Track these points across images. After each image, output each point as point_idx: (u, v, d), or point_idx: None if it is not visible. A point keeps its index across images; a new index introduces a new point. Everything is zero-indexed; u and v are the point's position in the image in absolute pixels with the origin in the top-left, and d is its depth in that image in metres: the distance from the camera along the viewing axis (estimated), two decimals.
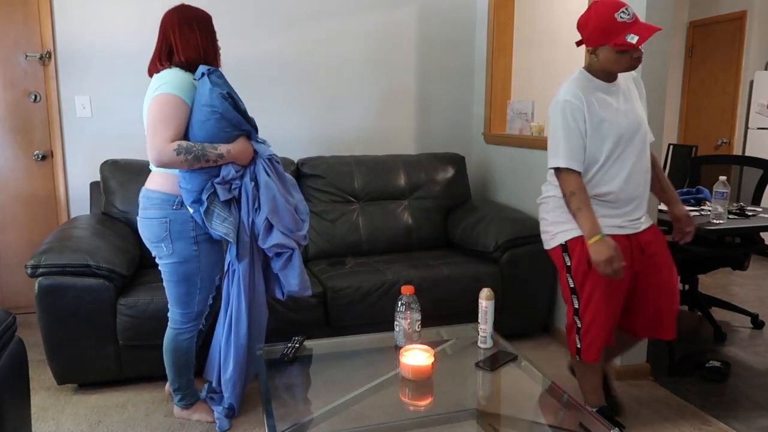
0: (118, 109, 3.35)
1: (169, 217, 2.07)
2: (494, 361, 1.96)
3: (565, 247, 2.06)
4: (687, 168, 4.27)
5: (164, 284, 2.18)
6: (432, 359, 1.83)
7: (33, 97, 3.31)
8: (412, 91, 3.85)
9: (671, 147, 5.04)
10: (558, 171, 1.99)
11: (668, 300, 2.11)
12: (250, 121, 2.13)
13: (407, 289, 2.01)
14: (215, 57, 2.15)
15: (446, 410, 1.77)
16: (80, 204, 3.38)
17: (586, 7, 2.81)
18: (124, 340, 2.49)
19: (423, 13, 3.77)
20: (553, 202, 2.10)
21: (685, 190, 3.23)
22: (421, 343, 1.94)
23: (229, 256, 2.20)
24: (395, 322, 2.03)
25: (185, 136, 2.04)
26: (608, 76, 2.02)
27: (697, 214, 2.87)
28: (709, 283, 4.15)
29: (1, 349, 1.49)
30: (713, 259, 3.26)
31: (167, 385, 2.50)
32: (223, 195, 2.07)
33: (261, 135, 2.25)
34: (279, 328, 2.61)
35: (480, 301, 2.01)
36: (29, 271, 2.34)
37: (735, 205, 3.04)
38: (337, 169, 3.37)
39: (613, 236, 2.01)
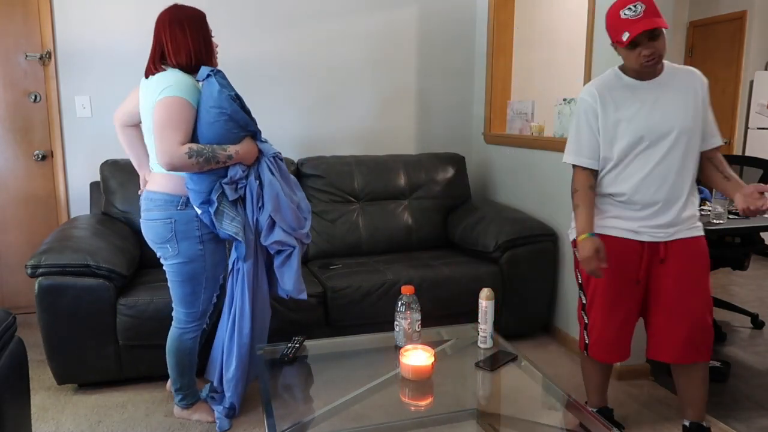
0: None
1: (173, 217, 2.08)
2: (494, 361, 1.96)
3: (575, 243, 2.07)
4: None
5: (169, 284, 2.18)
6: (432, 359, 1.83)
7: (33, 97, 3.31)
8: (412, 91, 3.85)
9: None
10: (573, 167, 2.06)
11: (665, 320, 2.00)
12: (255, 122, 2.14)
13: (407, 289, 2.01)
14: (209, 57, 2.12)
15: (446, 410, 1.77)
16: (80, 204, 3.38)
17: (586, 7, 2.81)
18: (124, 340, 2.49)
19: (423, 13, 3.77)
20: None
21: None
22: (421, 343, 1.94)
23: (235, 255, 2.20)
24: (395, 322, 2.03)
25: (193, 137, 2.04)
26: (638, 74, 1.93)
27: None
28: (709, 283, 4.15)
29: (1, 349, 1.49)
30: (713, 259, 3.24)
31: (168, 384, 2.50)
32: (231, 195, 2.08)
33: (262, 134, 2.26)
34: (279, 328, 2.61)
35: (480, 301, 2.01)
36: (29, 271, 2.34)
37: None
38: (337, 169, 3.37)
39: (624, 239, 1.99)
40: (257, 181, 2.14)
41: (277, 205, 2.15)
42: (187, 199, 2.09)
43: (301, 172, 3.36)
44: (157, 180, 2.11)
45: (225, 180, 2.07)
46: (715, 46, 5.48)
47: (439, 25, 3.82)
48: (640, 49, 1.85)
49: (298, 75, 3.61)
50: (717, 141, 2.00)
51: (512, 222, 3.08)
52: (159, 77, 2.03)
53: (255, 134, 2.16)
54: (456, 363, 2.07)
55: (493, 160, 3.75)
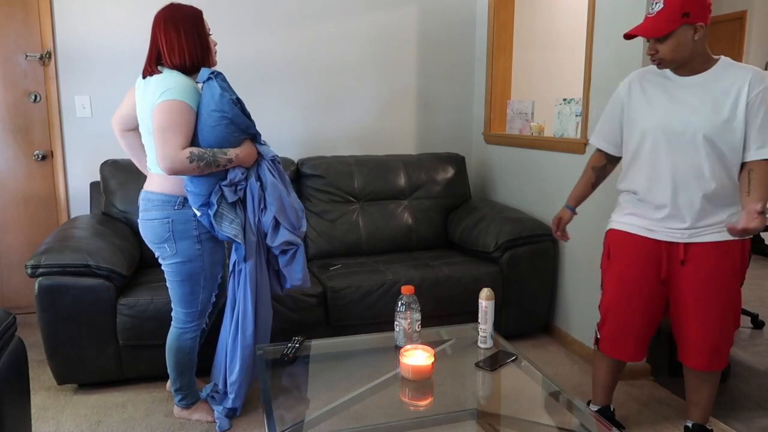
0: None
1: (171, 217, 2.08)
2: (494, 361, 1.96)
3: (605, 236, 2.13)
4: None
5: (168, 284, 2.18)
6: (432, 359, 1.83)
7: (33, 97, 3.31)
8: (412, 91, 3.85)
9: None
10: None
11: (687, 326, 1.96)
12: (254, 124, 2.14)
13: (407, 289, 2.01)
14: (204, 57, 2.08)
15: (446, 410, 1.77)
16: (80, 204, 3.38)
17: (586, 7, 2.81)
18: (124, 340, 2.49)
19: (423, 13, 3.77)
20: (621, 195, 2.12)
21: None
22: (421, 343, 1.94)
23: (235, 256, 2.20)
24: (395, 322, 2.03)
25: (193, 141, 2.04)
26: (676, 68, 1.86)
27: None
28: None
29: (1, 349, 1.49)
30: None
31: (168, 384, 2.50)
32: (230, 197, 2.08)
33: (261, 135, 2.26)
34: (279, 328, 2.61)
35: (480, 301, 2.01)
36: (29, 271, 2.34)
37: None
38: (337, 169, 3.37)
39: (639, 236, 1.99)
40: (258, 183, 2.15)
41: (282, 206, 2.17)
42: (185, 199, 2.09)
43: (301, 172, 3.36)
44: (155, 180, 2.11)
45: (224, 182, 2.07)
46: (715, 46, 5.47)
47: (439, 25, 3.82)
48: (648, 47, 1.84)
49: (298, 75, 3.61)
50: (761, 153, 1.77)
51: (512, 222, 3.08)
52: (158, 79, 2.02)
53: (255, 137, 2.17)
54: (456, 363, 2.07)
55: (493, 160, 3.75)
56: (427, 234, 3.42)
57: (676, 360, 2.76)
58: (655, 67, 1.90)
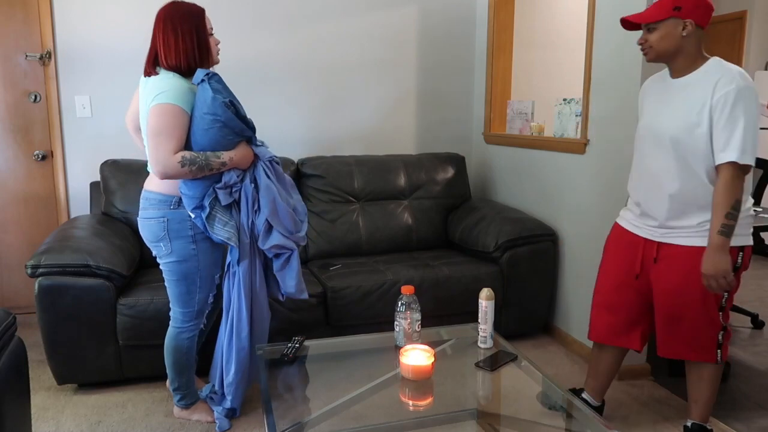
0: (118, 109, 3.35)
1: (166, 216, 2.08)
2: (494, 361, 1.96)
3: None
4: None
5: (165, 283, 2.19)
6: (432, 359, 1.83)
7: (33, 97, 3.31)
8: (412, 91, 3.85)
9: None
10: None
11: (659, 318, 2.03)
12: (250, 125, 2.13)
13: (407, 289, 2.01)
14: (202, 59, 2.05)
15: (446, 410, 1.77)
16: (80, 204, 3.38)
17: (586, 7, 2.81)
18: (124, 340, 2.49)
19: (423, 13, 3.77)
20: None
21: None
22: (421, 343, 1.94)
23: (230, 258, 2.20)
24: (395, 322, 2.03)
25: (186, 144, 2.03)
26: (670, 68, 1.92)
27: None
28: None
29: (1, 349, 1.49)
30: None
31: (168, 382, 2.50)
32: (224, 199, 2.07)
33: (261, 135, 2.26)
34: (279, 328, 2.61)
35: (480, 301, 2.01)
36: (29, 271, 2.34)
37: None
38: (337, 169, 3.37)
39: (627, 230, 2.08)
40: (252, 185, 2.14)
41: (274, 209, 2.15)
42: (180, 198, 2.08)
43: (301, 172, 3.36)
44: (153, 180, 2.11)
45: (219, 185, 2.06)
46: (715, 46, 5.47)
47: (439, 25, 3.82)
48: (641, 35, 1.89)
49: (298, 75, 3.61)
50: (723, 156, 1.76)
51: (512, 222, 3.08)
52: (154, 81, 2.01)
53: (250, 139, 2.15)
54: (456, 363, 2.07)
55: (493, 160, 3.75)
56: (427, 234, 3.42)
57: (677, 360, 2.78)
58: (663, 72, 1.96)
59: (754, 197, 3.41)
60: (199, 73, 2.00)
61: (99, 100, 3.34)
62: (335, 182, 3.34)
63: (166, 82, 1.98)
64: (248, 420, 2.34)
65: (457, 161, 3.61)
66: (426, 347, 1.88)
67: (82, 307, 2.40)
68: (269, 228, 2.16)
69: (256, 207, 2.14)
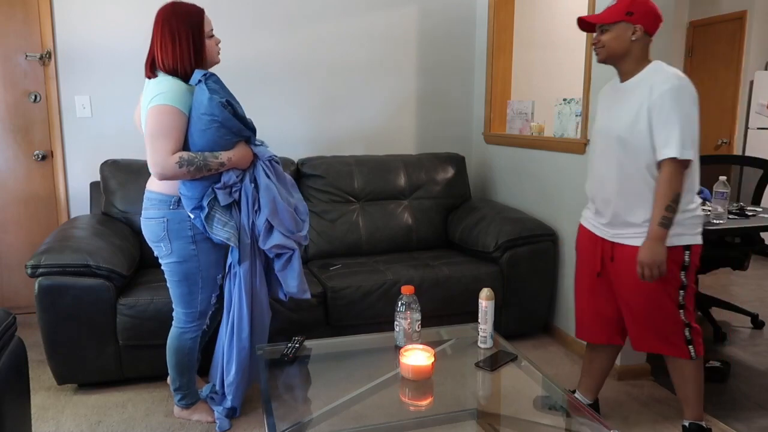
0: (118, 109, 3.35)
1: (166, 216, 2.08)
2: (494, 361, 1.96)
3: None
4: None
5: (167, 284, 2.18)
6: (432, 359, 1.83)
7: (33, 97, 3.31)
8: (413, 91, 3.85)
9: None
10: None
11: (624, 312, 2.11)
12: (249, 125, 2.12)
13: (407, 289, 2.01)
14: (198, 62, 2.04)
15: (446, 410, 1.77)
16: (80, 204, 3.38)
17: (586, 7, 2.81)
18: (124, 340, 2.49)
19: (423, 13, 3.77)
20: None
21: None
22: (421, 343, 1.94)
23: (231, 258, 2.20)
24: (395, 322, 2.03)
25: (185, 145, 2.03)
26: (619, 72, 2.01)
27: None
28: (709, 283, 4.15)
29: (1, 349, 1.49)
30: (713, 259, 3.26)
31: (169, 379, 2.50)
32: (224, 200, 2.07)
33: (261, 135, 2.25)
34: (279, 328, 2.61)
35: (480, 301, 2.01)
36: (29, 271, 2.34)
37: (735, 205, 3.04)
38: (337, 169, 3.37)
39: (587, 229, 2.16)
40: (252, 185, 2.13)
41: (274, 209, 2.14)
42: (179, 198, 2.08)
43: (301, 172, 3.36)
44: (155, 179, 2.11)
45: (218, 185, 2.06)
46: (715, 46, 5.47)
47: (439, 25, 3.82)
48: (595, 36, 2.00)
49: (298, 75, 3.61)
50: (664, 153, 1.84)
51: (512, 222, 3.08)
52: (153, 83, 2.01)
53: (249, 138, 2.14)
54: (456, 363, 2.07)
55: (493, 160, 3.75)
56: (427, 234, 3.42)
57: None
58: (615, 78, 2.06)
59: (753, 197, 3.41)
60: (197, 74, 2.00)
61: (99, 100, 3.34)
62: (335, 182, 3.34)
63: (164, 84, 1.98)
64: (248, 420, 2.34)
65: (457, 161, 3.61)
66: (426, 347, 1.88)
67: (82, 307, 2.40)
68: (270, 228, 2.16)
69: (256, 207, 2.14)
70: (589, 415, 1.67)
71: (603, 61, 1.99)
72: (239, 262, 2.16)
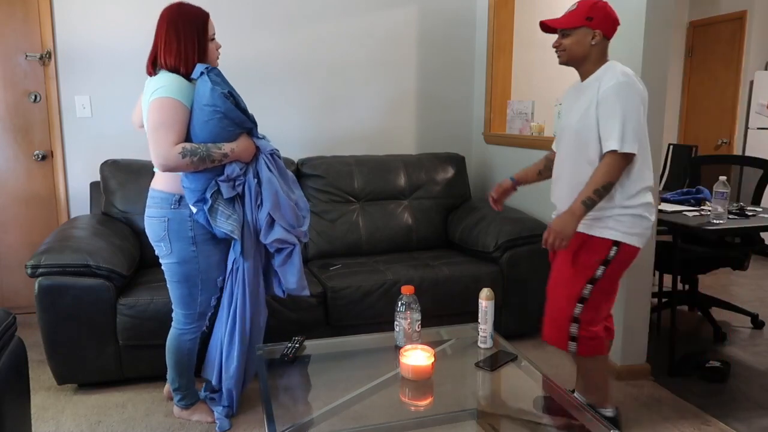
0: (118, 109, 3.35)
1: (167, 216, 2.07)
2: (494, 361, 1.96)
3: None
4: (687, 168, 4.27)
5: (167, 284, 2.18)
6: (432, 359, 1.83)
7: (33, 97, 3.31)
8: (413, 91, 3.85)
9: (671, 147, 5.04)
10: None
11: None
12: (251, 118, 2.13)
13: (407, 289, 2.01)
14: (202, 61, 2.06)
15: (446, 410, 1.77)
16: (80, 204, 3.38)
17: None
18: (124, 340, 2.49)
19: (423, 13, 3.77)
20: None
21: (685, 190, 3.23)
22: (421, 343, 1.94)
23: (233, 254, 2.19)
24: (395, 322, 2.03)
25: (187, 138, 2.03)
26: (580, 73, 2.08)
27: (697, 214, 2.87)
28: (709, 283, 4.15)
29: (1, 349, 1.49)
30: (713, 259, 3.26)
31: (166, 387, 2.50)
32: (227, 193, 2.07)
33: (261, 132, 2.25)
34: (279, 328, 2.61)
35: (480, 301, 2.01)
36: (29, 271, 2.34)
37: (735, 205, 3.04)
38: (337, 169, 3.37)
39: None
40: (255, 179, 2.13)
41: (276, 203, 2.14)
42: (180, 197, 2.07)
43: (301, 172, 3.36)
44: (158, 178, 2.11)
45: (221, 178, 2.06)
46: (715, 46, 5.47)
47: (439, 25, 3.82)
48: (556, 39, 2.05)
49: (298, 75, 3.61)
50: (607, 145, 1.90)
51: (512, 222, 3.08)
52: (154, 79, 2.03)
53: (251, 131, 2.15)
54: (456, 363, 2.07)
55: (493, 160, 3.74)
56: (427, 234, 3.42)
57: (677, 360, 2.78)
58: (578, 79, 2.11)
59: (753, 197, 3.41)
60: (199, 67, 2.02)
61: (99, 100, 3.34)
62: (335, 182, 3.34)
63: (165, 78, 2.00)
64: (248, 420, 2.34)
65: (457, 161, 3.61)
66: (426, 347, 1.88)
67: (82, 307, 2.40)
68: (271, 222, 2.16)
69: (258, 201, 2.14)
70: (588, 415, 1.67)
71: (564, 63, 2.06)
72: (244, 258, 2.16)
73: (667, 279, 3.22)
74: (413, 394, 1.83)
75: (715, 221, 2.67)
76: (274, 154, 2.19)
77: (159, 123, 1.96)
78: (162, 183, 2.09)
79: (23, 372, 1.63)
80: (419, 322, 2.04)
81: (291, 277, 2.24)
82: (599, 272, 2.00)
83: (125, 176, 3.02)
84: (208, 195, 2.04)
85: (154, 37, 2.06)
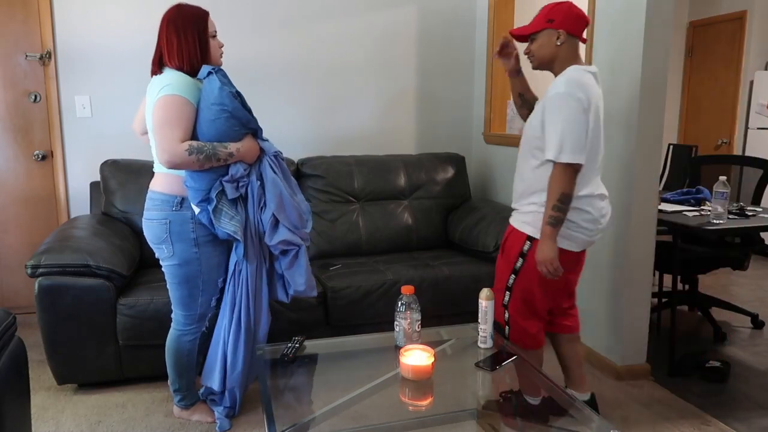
0: (118, 109, 3.35)
1: (168, 218, 2.07)
2: (494, 361, 1.96)
3: None
4: (687, 168, 4.27)
5: (167, 286, 2.18)
6: (432, 359, 1.83)
7: (33, 97, 3.31)
8: (412, 91, 3.85)
9: (671, 147, 5.04)
10: None
11: None
12: (255, 120, 2.13)
13: (407, 289, 2.00)
14: (204, 60, 2.07)
15: (446, 410, 1.77)
16: (80, 204, 3.38)
17: (586, 7, 2.81)
18: (124, 340, 2.49)
19: (423, 13, 3.77)
20: None
21: (685, 190, 3.23)
22: (421, 343, 1.94)
23: (236, 256, 2.19)
24: (395, 322, 2.03)
25: (193, 136, 2.03)
26: (553, 74, 2.09)
27: (697, 214, 2.87)
28: (709, 283, 4.15)
29: (1, 349, 1.49)
30: (713, 259, 3.26)
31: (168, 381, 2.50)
32: (231, 193, 2.07)
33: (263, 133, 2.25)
34: (279, 328, 2.61)
35: (480, 301, 2.01)
36: (29, 271, 2.34)
37: (735, 205, 3.04)
38: (337, 169, 3.37)
39: None
40: (258, 182, 2.14)
41: (281, 203, 2.15)
42: (182, 199, 2.07)
43: (301, 172, 3.36)
44: (157, 180, 2.11)
45: (225, 178, 2.06)
46: (715, 46, 5.48)
47: (439, 25, 3.81)
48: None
49: (297, 75, 3.61)
50: (547, 154, 1.94)
51: None
52: (159, 78, 2.04)
53: (256, 132, 2.15)
54: (456, 363, 2.07)
55: (493, 160, 3.74)
56: (427, 234, 3.42)
57: (677, 360, 2.78)
58: None
59: (753, 197, 3.41)
60: (205, 68, 2.03)
61: (99, 100, 3.34)
62: (335, 182, 3.34)
63: (171, 77, 2.01)
64: (248, 420, 2.34)
65: (457, 161, 3.61)
66: (426, 347, 1.88)
67: (82, 307, 2.40)
68: (275, 223, 2.16)
69: (262, 204, 2.14)
70: (580, 409, 1.67)
71: (536, 67, 2.09)
72: (247, 260, 2.16)
73: (667, 279, 3.23)
74: (413, 394, 1.83)
75: (715, 221, 2.67)
76: (278, 156, 2.20)
77: (166, 119, 1.96)
78: (163, 185, 2.09)
79: (23, 372, 1.63)
80: (419, 322, 2.04)
81: (299, 278, 2.25)
82: (518, 264, 2.08)
83: (125, 176, 3.02)
84: (213, 195, 2.04)
85: (157, 39, 2.08)
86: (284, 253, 2.22)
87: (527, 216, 2.05)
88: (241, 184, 2.10)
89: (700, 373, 2.72)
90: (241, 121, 2.05)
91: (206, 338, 2.44)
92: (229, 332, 2.23)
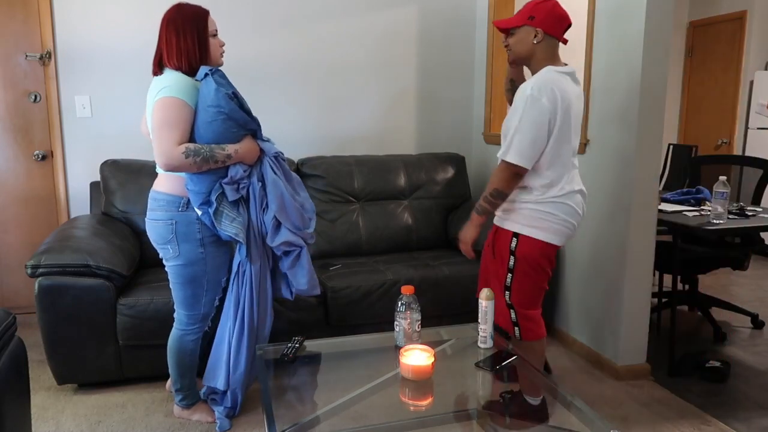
0: (118, 109, 3.35)
1: (174, 219, 2.07)
2: (494, 361, 1.96)
3: None
4: (687, 168, 4.27)
5: (171, 286, 2.18)
6: (432, 359, 1.83)
7: (33, 97, 3.31)
8: (413, 91, 3.85)
9: (671, 147, 5.04)
10: None
11: None
12: (255, 120, 2.13)
13: (407, 289, 2.00)
14: (203, 60, 2.07)
15: (446, 410, 1.77)
16: (80, 204, 3.38)
17: (586, 7, 2.81)
18: (124, 340, 2.49)
19: (423, 13, 3.77)
20: None
21: (685, 190, 3.23)
22: (421, 343, 1.94)
23: (239, 257, 2.19)
24: (395, 322, 2.03)
25: (191, 138, 2.03)
26: (532, 73, 2.11)
27: (697, 214, 2.87)
28: (709, 283, 4.15)
29: (1, 349, 1.49)
30: (713, 259, 3.26)
31: (168, 383, 2.50)
32: (231, 195, 2.07)
33: (263, 134, 2.25)
34: (279, 328, 2.61)
35: (480, 301, 2.01)
36: (29, 271, 2.34)
37: (735, 205, 3.04)
38: (337, 169, 3.37)
39: None
40: (259, 183, 2.13)
41: (282, 205, 2.14)
42: (188, 200, 2.08)
43: (302, 172, 3.36)
44: (161, 180, 2.11)
45: (225, 180, 2.06)
46: (715, 46, 5.48)
47: (439, 25, 3.81)
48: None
49: (298, 75, 3.61)
50: (499, 152, 2.03)
51: None
52: (158, 79, 2.04)
53: (255, 132, 2.15)
54: (456, 363, 2.07)
55: (493, 160, 3.73)
56: (427, 234, 3.42)
57: (676, 360, 2.78)
58: None
59: (753, 197, 3.41)
60: (202, 69, 2.03)
61: (99, 100, 3.34)
62: (335, 182, 3.34)
63: (169, 78, 2.01)
64: (248, 420, 2.34)
65: (457, 161, 3.61)
66: (426, 347, 1.88)
67: (82, 307, 2.40)
68: (277, 225, 2.16)
69: (264, 205, 2.14)
70: (580, 409, 1.67)
71: (512, 62, 2.14)
72: (250, 262, 2.16)
73: (667, 279, 3.23)
74: (413, 394, 1.83)
75: (715, 221, 2.67)
76: (278, 157, 2.20)
77: (163, 122, 1.96)
78: (168, 186, 2.08)
79: (23, 372, 1.63)
80: (419, 322, 2.03)
81: (302, 278, 2.25)
82: (511, 262, 2.11)
83: (125, 176, 3.02)
84: (212, 198, 2.04)
85: (158, 39, 2.07)
86: (286, 253, 2.22)
87: (510, 214, 2.10)
88: (241, 186, 2.10)
89: (700, 373, 2.72)
90: (239, 122, 2.04)
91: (209, 339, 2.44)
92: (233, 335, 2.23)
